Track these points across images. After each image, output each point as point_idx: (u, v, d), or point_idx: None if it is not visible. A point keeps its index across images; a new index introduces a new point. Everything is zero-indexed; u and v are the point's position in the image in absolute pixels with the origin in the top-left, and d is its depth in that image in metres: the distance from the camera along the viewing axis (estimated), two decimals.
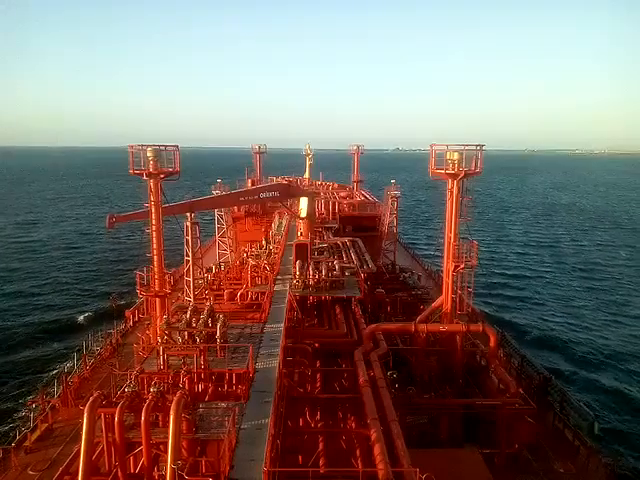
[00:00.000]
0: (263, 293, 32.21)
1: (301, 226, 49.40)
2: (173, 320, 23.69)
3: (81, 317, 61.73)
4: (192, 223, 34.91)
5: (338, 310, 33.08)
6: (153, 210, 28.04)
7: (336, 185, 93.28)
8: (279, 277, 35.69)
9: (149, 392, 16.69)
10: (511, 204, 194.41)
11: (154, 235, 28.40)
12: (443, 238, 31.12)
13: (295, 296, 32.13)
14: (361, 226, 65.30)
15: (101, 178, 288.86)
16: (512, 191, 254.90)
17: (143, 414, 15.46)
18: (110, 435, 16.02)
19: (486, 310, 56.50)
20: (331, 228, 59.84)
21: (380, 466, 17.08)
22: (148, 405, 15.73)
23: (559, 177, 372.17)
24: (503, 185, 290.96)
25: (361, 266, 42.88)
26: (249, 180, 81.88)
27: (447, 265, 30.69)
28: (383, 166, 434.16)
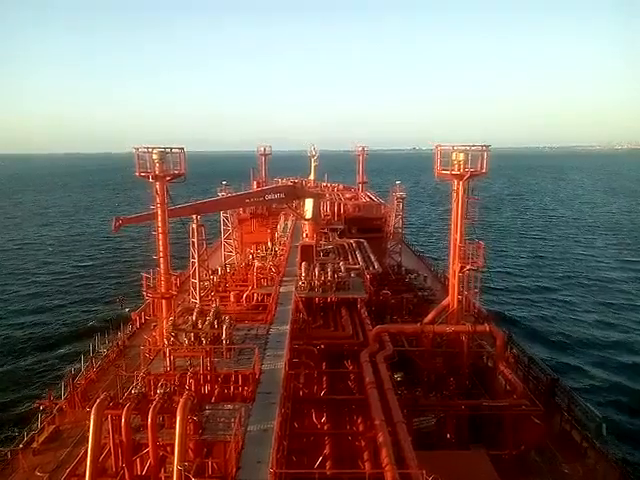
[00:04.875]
0: (269, 295, 32.22)
1: (306, 227, 49.41)
2: (179, 322, 23.74)
3: (88, 319, 62.00)
4: (198, 225, 34.97)
5: (344, 311, 33.02)
6: (159, 212, 28.13)
7: (341, 186, 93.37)
8: (285, 279, 35.65)
9: (156, 394, 16.74)
10: (555, 212, 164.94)
11: (160, 237, 28.48)
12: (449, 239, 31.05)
13: (301, 297, 32.08)
14: (367, 227, 65.18)
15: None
16: (554, 195, 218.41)
17: (150, 416, 15.50)
18: (117, 437, 16.08)
19: (494, 311, 56.16)
20: (336, 229, 59.78)
21: (387, 468, 17.02)
22: (155, 407, 15.76)
23: (594, 177, 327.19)
24: (540, 187, 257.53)
25: (367, 267, 42.82)
26: (254, 182, 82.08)
27: (453, 266, 30.61)
28: (399, 168, 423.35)
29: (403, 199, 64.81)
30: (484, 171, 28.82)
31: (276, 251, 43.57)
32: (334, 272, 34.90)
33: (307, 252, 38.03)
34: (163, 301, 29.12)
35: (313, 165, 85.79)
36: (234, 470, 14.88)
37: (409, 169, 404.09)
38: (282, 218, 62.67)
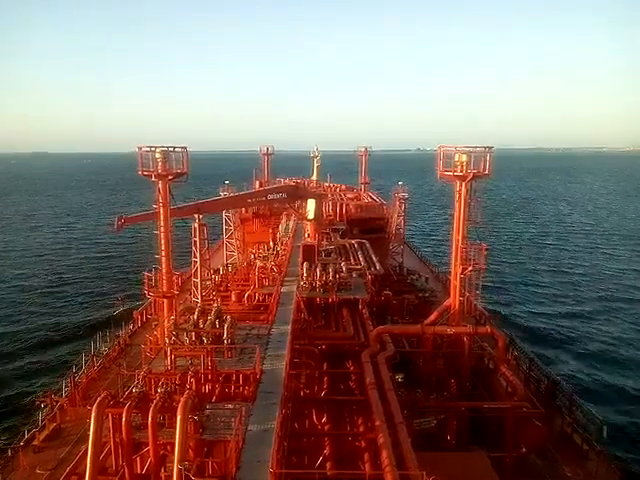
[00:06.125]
0: (270, 294, 32.22)
1: (308, 228, 49.39)
2: (181, 321, 23.77)
3: (89, 318, 62.08)
4: (200, 224, 34.94)
5: (345, 312, 32.98)
6: (161, 211, 28.15)
7: (344, 187, 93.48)
8: (286, 279, 35.62)
9: (156, 393, 16.75)
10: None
11: (162, 236, 28.50)
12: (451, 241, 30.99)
13: (302, 297, 32.07)
14: (369, 228, 65.19)
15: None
16: (566, 199, 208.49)
17: (150, 414, 15.50)
18: (117, 435, 16.09)
19: (496, 312, 56.07)
20: (338, 230, 59.81)
21: (387, 469, 17.01)
22: (155, 406, 15.77)
23: (606, 180, 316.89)
24: (550, 191, 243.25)
25: (368, 268, 42.80)
26: (257, 181, 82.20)
27: (455, 268, 30.57)
28: (405, 169, 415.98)
29: (405, 200, 64.84)
30: (487, 172, 28.77)
31: (278, 251, 43.55)
32: (336, 272, 34.86)
33: (309, 252, 38.02)
34: (165, 300, 29.17)
35: (315, 165, 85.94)
36: (234, 470, 14.89)
37: (414, 170, 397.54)
38: (284, 218, 62.65)
